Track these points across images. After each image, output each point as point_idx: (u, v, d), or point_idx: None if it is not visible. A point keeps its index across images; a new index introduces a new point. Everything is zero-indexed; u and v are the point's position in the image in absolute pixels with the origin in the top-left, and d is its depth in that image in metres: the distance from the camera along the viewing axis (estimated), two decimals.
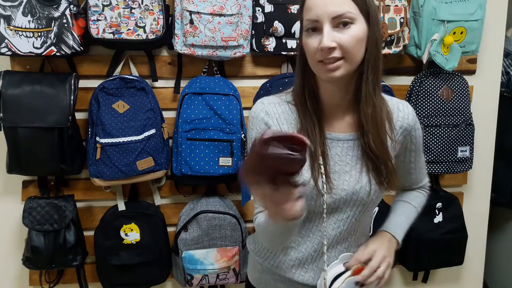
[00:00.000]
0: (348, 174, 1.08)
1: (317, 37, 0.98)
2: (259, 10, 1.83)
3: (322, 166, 1.04)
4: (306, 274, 1.17)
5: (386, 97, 1.13)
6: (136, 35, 1.71)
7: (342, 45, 0.96)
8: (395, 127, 1.11)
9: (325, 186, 1.05)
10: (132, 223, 1.86)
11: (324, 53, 0.97)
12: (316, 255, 1.15)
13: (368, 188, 1.08)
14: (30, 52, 1.66)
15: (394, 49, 1.88)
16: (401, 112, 1.13)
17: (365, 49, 1.01)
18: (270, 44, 1.85)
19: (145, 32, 1.71)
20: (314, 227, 1.14)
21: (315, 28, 0.99)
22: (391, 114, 1.10)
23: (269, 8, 1.83)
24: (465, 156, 2.01)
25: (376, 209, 1.97)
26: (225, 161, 1.81)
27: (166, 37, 1.76)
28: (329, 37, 0.95)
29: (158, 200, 1.95)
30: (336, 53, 0.97)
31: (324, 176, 1.04)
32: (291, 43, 1.83)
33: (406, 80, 2.07)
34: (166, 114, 1.89)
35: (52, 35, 1.65)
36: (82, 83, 1.83)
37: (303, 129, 1.06)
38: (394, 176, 1.10)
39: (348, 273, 1.07)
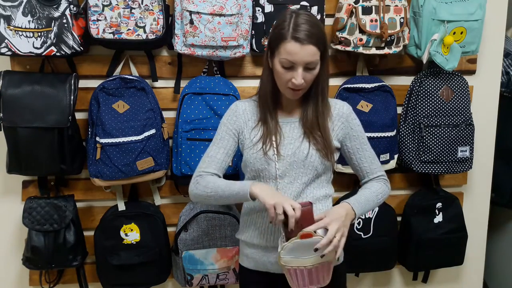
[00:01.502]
0: (292, 144, 1.44)
1: (291, 72, 1.35)
2: (259, 10, 1.83)
3: (274, 142, 1.42)
4: (274, 239, 1.44)
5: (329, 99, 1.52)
6: (136, 35, 1.71)
7: (306, 81, 1.37)
8: (332, 115, 1.48)
9: (275, 154, 1.42)
10: (132, 223, 1.86)
11: (294, 85, 1.36)
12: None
13: (306, 151, 1.42)
14: (30, 52, 1.66)
15: (394, 49, 1.88)
16: (338, 105, 1.51)
17: (317, 75, 1.39)
18: None
19: (145, 32, 1.71)
20: None
21: (290, 67, 1.34)
22: (330, 107, 1.49)
23: (269, 8, 1.83)
24: (465, 156, 2.01)
25: (376, 209, 1.97)
26: None
27: (166, 37, 1.76)
28: (301, 77, 1.34)
29: (158, 200, 1.95)
30: (301, 86, 1.36)
31: (273, 146, 1.42)
32: None
33: (406, 80, 2.07)
34: (166, 114, 1.89)
35: (52, 35, 1.65)
36: (82, 83, 1.83)
37: (262, 118, 1.46)
38: (329, 146, 1.44)
39: (296, 236, 1.26)
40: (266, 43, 1.84)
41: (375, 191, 1.48)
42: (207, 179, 1.42)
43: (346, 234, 1.33)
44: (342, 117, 1.49)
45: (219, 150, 1.46)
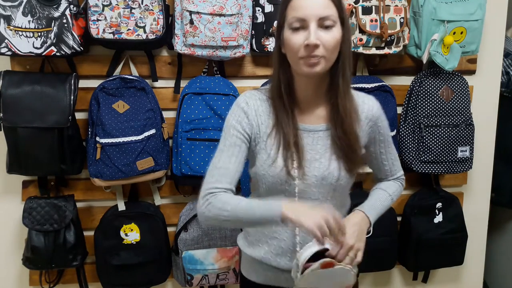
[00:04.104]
0: (318, 161, 1.19)
1: (302, 34, 1.09)
2: (259, 10, 1.83)
3: (294, 155, 1.16)
4: (290, 262, 1.24)
5: (353, 91, 1.23)
6: (136, 35, 1.71)
7: (324, 44, 1.09)
8: (361, 118, 1.22)
9: (297, 172, 1.17)
10: (132, 223, 1.86)
11: (309, 50, 1.08)
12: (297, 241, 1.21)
13: (336, 174, 1.19)
14: (30, 52, 1.66)
15: (394, 49, 1.88)
16: (366, 105, 1.25)
17: (339, 51, 1.14)
18: (270, 44, 1.85)
19: (145, 32, 1.71)
20: None
21: (301, 27, 1.10)
22: (357, 106, 1.22)
23: (269, 8, 1.83)
24: (465, 156, 2.01)
25: None
26: None
27: (166, 37, 1.76)
28: (316, 35, 1.07)
29: (158, 200, 1.95)
30: (319, 52, 1.09)
31: (296, 164, 1.16)
32: None
33: (406, 80, 2.07)
34: (166, 114, 1.89)
35: (52, 35, 1.65)
36: (82, 83, 1.83)
37: (277, 121, 1.19)
38: (360, 162, 1.23)
39: (316, 265, 1.09)
40: (266, 43, 1.85)
41: (392, 193, 1.36)
42: (222, 199, 1.13)
43: (363, 239, 1.22)
44: (371, 121, 1.24)
45: (230, 159, 1.17)
